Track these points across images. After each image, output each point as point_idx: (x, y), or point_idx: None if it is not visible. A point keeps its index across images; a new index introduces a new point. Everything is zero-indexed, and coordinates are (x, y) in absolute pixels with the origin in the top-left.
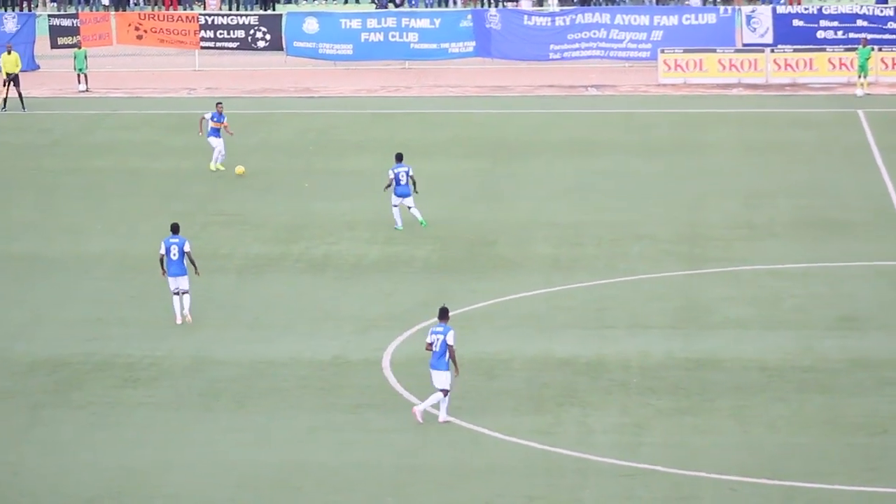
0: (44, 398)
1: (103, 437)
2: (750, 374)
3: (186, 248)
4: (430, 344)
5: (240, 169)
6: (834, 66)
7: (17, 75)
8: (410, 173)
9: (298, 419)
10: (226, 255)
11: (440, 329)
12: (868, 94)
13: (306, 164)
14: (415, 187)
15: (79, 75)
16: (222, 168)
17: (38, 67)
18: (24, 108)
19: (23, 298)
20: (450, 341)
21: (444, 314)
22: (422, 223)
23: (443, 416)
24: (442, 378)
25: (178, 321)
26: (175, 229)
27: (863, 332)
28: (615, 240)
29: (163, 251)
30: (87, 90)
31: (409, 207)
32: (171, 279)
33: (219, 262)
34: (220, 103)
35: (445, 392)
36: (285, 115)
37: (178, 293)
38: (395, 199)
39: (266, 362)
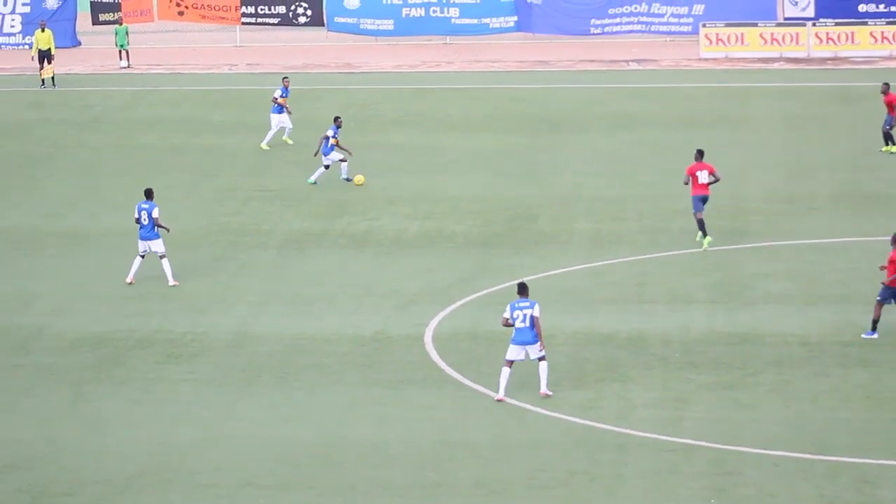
0: (86, 374)
1: (145, 413)
2: (791, 349)
3: (155, 213)
4: (508, 319)
5: (359, 178)
6: (876, 40)
7: (49, 52)
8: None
9: (339, 395)
10: (267, 230)
11: (526, 304)
12: None
13: (347, 139)
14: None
15: (120, 51)
16: (290, 142)
17: (80, 44)
18: (54, 85)
19: (65, 274)
20: (536, 314)
21: (523, 289)
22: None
23: (543, 388)
24: (534, 350)
25: (129, 280)
26: (148, 194)
27: None
28: (656, 215)
29: (136, 215)
30: (128, 66)
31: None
32: (140, 242)
33: (261, 237)
34: (287, 77)
35: (542, 358)
36: (326, 90)
37: (143, 255)
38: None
39: (307, 338)
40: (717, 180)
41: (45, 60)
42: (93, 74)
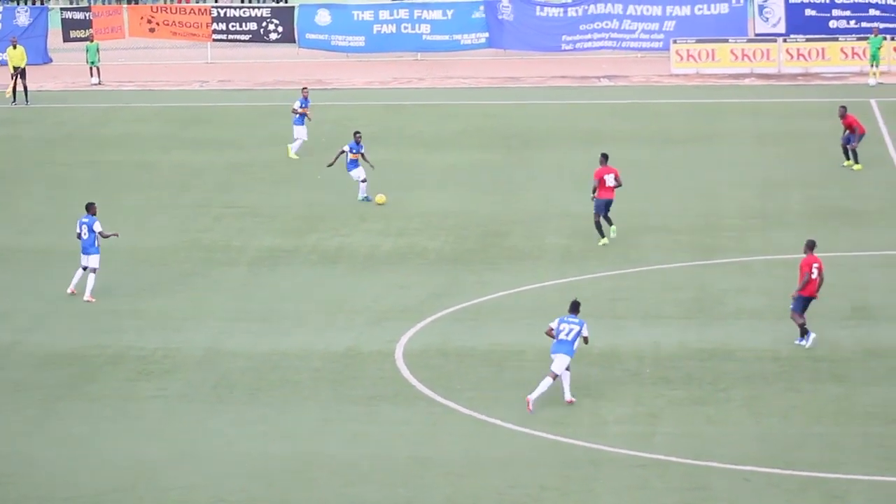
0: (58, 391)
1: (117, 429)
2: (763, 364)
3: (96, 227)
4: (554, 330)
5: (381, 198)
6: (846, 56)
7: (23, 69)
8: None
9: (311, 411)
10: (238, 247)
11: (574, 320)
12: (881, 84)
13: (319, 156)
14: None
15: (91, 68)
16: (296, 157)
17: (51, 61)
18: (27, 101)
19: (36, 291)
20: (585, 333)
21: (576, 307)
22: None
23: (568, 395)
24: (566, 361)
25: (70, 291)
26: (88, 209)
27: (876, 321)
28: (628, 230)
29: (77, 230)
30: (99, 83)
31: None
32: (82, 256)
33: (231, 254)
34: (306, 88)
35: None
36: None
37: (85, 269)
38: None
39: (279, 354)
40: (619, 185)
41: (19, 77)
42: (64, 91)
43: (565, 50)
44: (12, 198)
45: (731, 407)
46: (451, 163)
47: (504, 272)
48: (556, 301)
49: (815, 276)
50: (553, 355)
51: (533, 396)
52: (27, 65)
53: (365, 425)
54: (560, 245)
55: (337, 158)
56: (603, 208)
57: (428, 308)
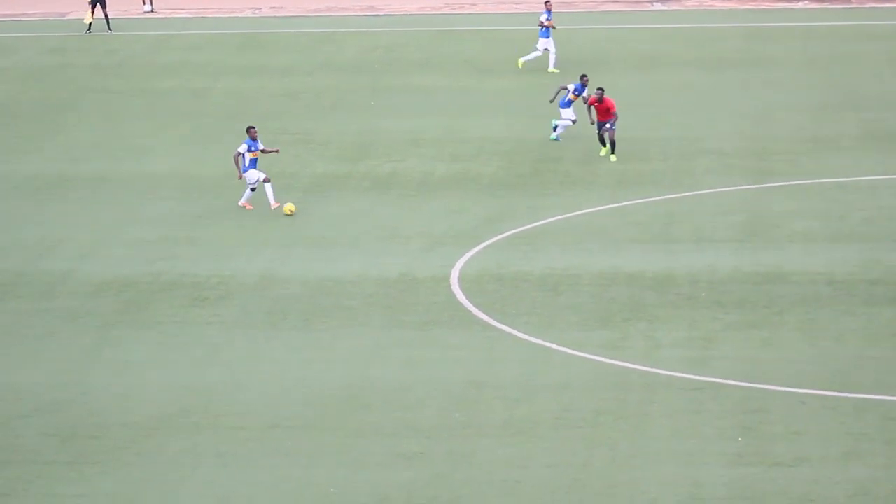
0: (112, 318)
1: (171, 356)
2: (818, 288)
3: (241, 149)
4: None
5: (289, 207)
6: None
7: None
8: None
9: (365, 337)
10: (292, 173)
11: None
12: None
13: (372, 82)
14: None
15: None
16: (556, 71)
17: None
18: (110, 29)
19: (90, 219)
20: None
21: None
22: None
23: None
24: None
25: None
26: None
27: None
28: (681, 154)
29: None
30: (151, 11)
31: None
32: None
33: (285, 180)
34: (549, 1)
35: None
36: (350, 33)
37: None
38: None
39: (332, 281)
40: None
41: (99, 4)
42: (116, 19)
43: None
44: (64, 126)
45: (786, 330)
46: (504, 88)
47: (557, 196)
48: (610, 226)
49: None
50: None
51: None
52: None
53: (419, 350)
54: (614, 169)
55: (557, 95)
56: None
57: (482, 233)
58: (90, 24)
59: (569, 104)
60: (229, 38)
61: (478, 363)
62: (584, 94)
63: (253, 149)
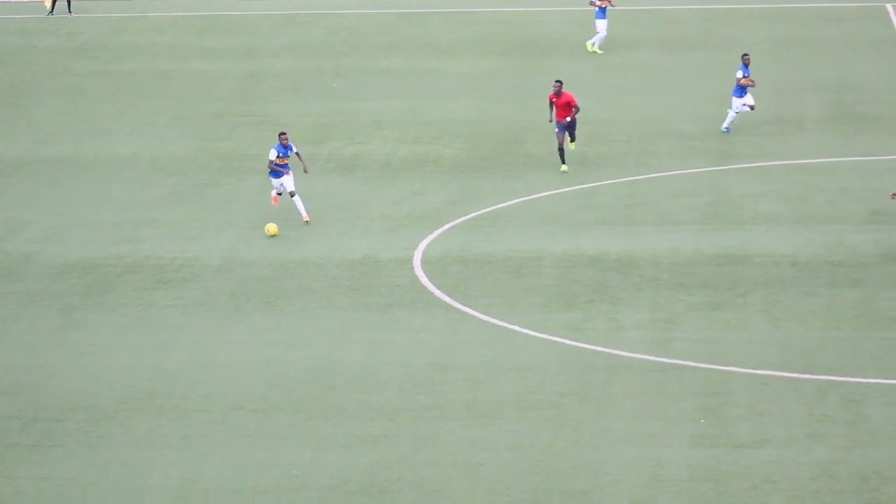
0: (75, 301)
1: (135, 339)
2: (781, 269)
3: (271, 155)
4: None
5: (272, 229)
6: None
7: None
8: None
9: (329, 319)
10: (255, 155)
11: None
12: None
13: (335, 64)
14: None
15: None
16: (599, 52)
17: None
18: (70, 12)
19: (53, 201)
20: None
21: None
22: None
23: None
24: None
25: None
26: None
27: (894, 225)
28: (644, 136)
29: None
30: None
31: None
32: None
33: (248, 162)
34: None
35: None
36: (314, 15)
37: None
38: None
39: (296, 262)
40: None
41: None
42: (80, 2)
43: None
44: (29, 108)
45: (749, 312)
46: (468, 70)
47: (520, 179)
48: (573, 208)
49: None
50: None
51: None
52: None
53: (383, 332)
54: (577, 152)
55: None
56: (563, 129)
57: (445, 215)
58: (53, 4)
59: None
60: (193, 21)
61: (441, 345)
62: (746, 74)
63: (282, 155)
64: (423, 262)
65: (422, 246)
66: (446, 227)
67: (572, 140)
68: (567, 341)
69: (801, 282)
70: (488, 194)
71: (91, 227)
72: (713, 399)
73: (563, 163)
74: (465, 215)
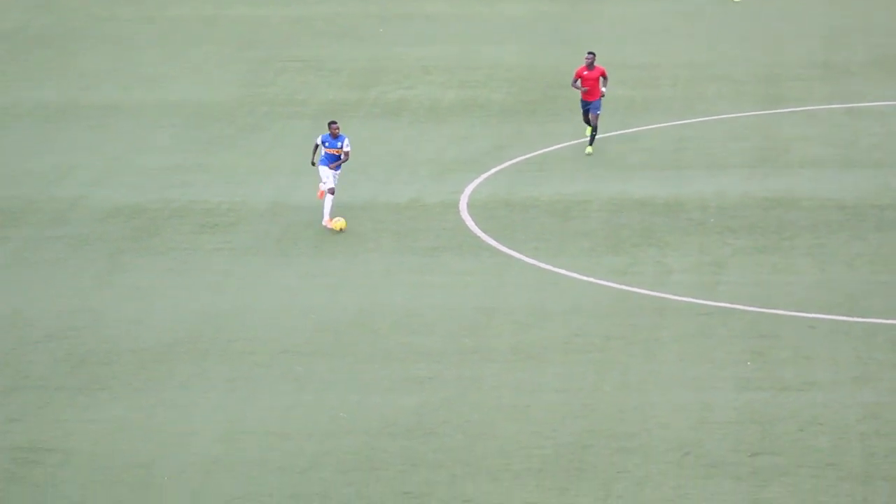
0: (123, 245)
1: (182, 282)
2: (827, 213)
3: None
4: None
5: (340, 223)
6: None
7: None
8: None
9: (375, 262)
10: (301, 100)
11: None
12: None
13: (381, 8)
14: None
15: None
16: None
17: None
18: None
19: (101, 146)
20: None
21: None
22: None
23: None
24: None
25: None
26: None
27: None
28: (692, 80)
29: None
30: None
31: None
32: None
33: (294, 107)
34: None
35: None
36: None
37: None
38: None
39: (342, 207)
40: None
41: None
42: None
43: None
44: (75, 55)
45: (796, 255)
46: (515, 15)
47: (567, 123)
48: (620, 152)
49: None
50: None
51: None
52: None
53: (429, 276)
54: (624, 96)
55: None
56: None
57: (491, 159)
58: None
59: None
60: None
61: (487, 289)
62: None
63: (329, 145)
64: (470, 206)
65: (468, 190)
66: (493, 171)
67: (591, 143)
68: (614, 285)
69: (848, 225)
70: (535, 138)
71: (138, 172)
72: (760, 342)
73: (589, 124)
74: (511, 159)
